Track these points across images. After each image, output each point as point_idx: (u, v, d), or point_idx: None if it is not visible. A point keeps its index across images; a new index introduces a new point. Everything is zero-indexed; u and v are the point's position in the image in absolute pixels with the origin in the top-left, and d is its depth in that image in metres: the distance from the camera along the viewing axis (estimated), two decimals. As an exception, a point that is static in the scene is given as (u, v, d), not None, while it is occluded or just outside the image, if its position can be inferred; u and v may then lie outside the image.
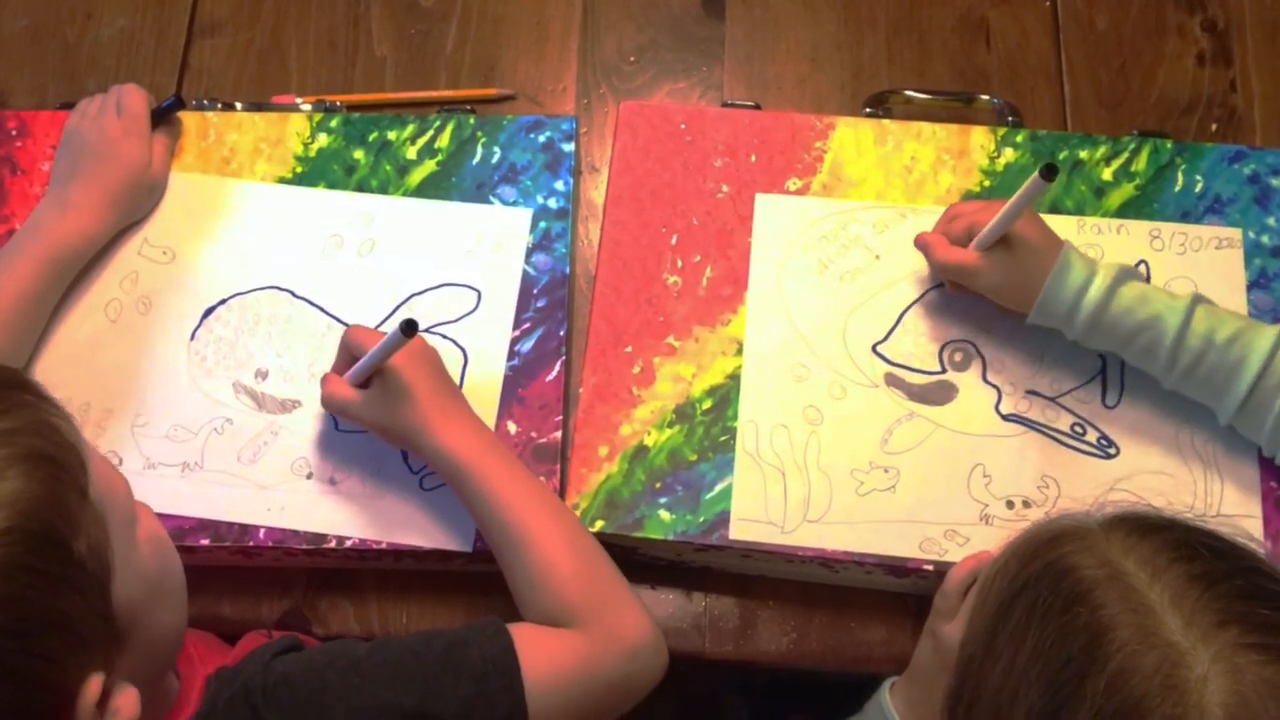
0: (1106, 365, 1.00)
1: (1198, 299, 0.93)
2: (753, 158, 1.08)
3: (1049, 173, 0.87)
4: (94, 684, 0.65)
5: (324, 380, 0.96)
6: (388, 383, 0.92)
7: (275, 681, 0.76)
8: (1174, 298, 0.93)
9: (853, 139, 1.09)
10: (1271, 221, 1.05)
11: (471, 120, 1.11)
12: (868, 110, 1.13)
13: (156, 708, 0.74)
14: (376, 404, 0.92)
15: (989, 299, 0.98)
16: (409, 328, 0.87)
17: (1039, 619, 0.63)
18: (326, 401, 0.95)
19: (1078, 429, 0.98)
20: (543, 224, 1.07)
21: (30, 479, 0.63)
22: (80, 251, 1.04)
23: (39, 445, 0.65)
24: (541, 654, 0.82)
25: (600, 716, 0.86)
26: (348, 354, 0.95)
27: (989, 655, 0.66)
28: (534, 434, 1.00)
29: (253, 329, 1.04)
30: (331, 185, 1.10)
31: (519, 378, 1.02)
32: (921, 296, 1.03)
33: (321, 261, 1.07)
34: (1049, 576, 0.65)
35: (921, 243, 1.00)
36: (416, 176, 1.10)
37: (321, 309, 1.05)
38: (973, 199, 1.06)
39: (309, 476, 0.99)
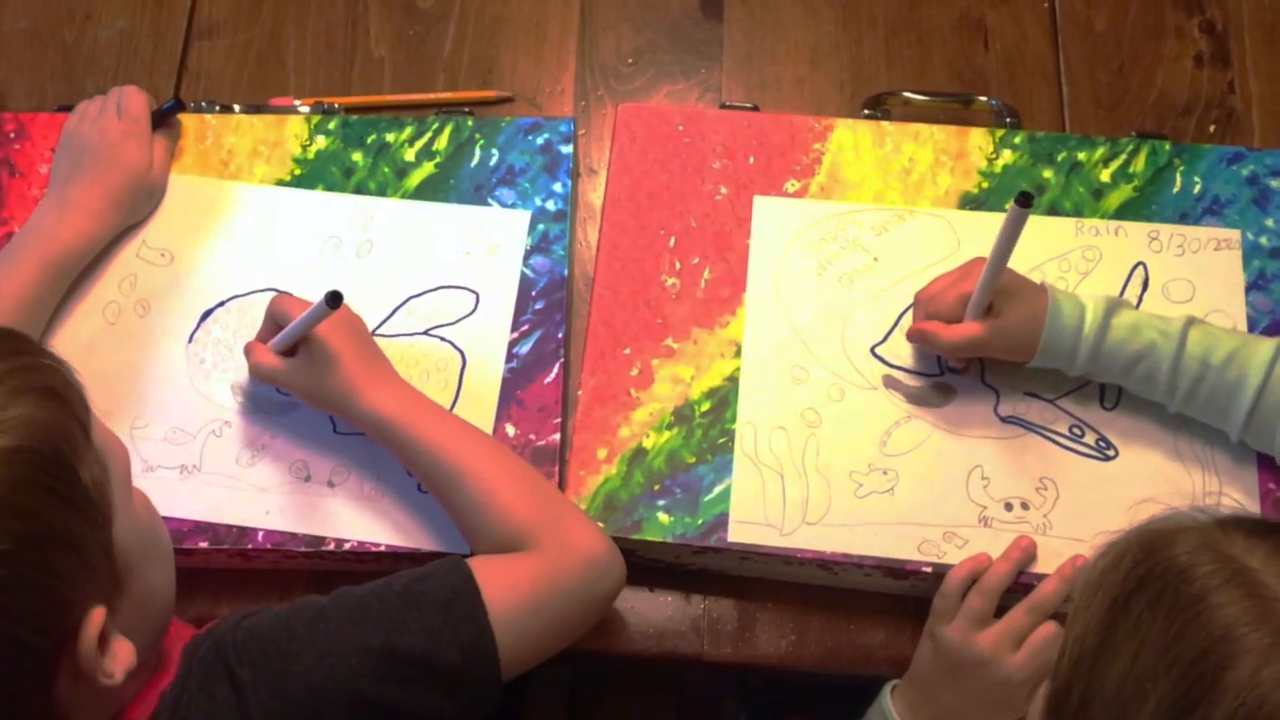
0: (1105, 367, 1.00)
1: (1191, 321, 0.93)
2: (751, 159, 1.08)
3: (1025, 199, 0.86)
4: (97, 614, 0.66)
5: (249, 349, 0.98)
6: (313, 350, 0.94)
7: (244, 638, 0.78)
8: (1166, 322, 0.93)
9: (851, 140, 1.09)
10: (1270, 223, 1.05)
11: (470, 122, 1.11)
12: (866, 112, 1.12)
13: (141, 677, 0.76)
14: (302, 371, 0.95)
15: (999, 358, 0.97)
16: (334, 299, 0.89)
17: (1166, 612, 0.62)
18: (254, 370, 0.97)
19: (1076, 431, 0.98)
20: (541, 226, 1.07)
21: (39, 407, 0.66)
22: (80, 254, 1.04)
23: (46, 381, 0.68)
24: (500, 578, 0.84)
25: (567, 631, 0.88)
26: (273, 323, 0.97)
27: (1106, 651, 0.64)
28: (532, 436, 1.00)
29: (251, 331, 1.04)
30: (330, 187, 1.10)
31: (517, 380, 1.02)
32: (920, 298, 1.03)
33: (320, 264, 1.07)
34: (1173, 571, 0.64)
35: (918, 333, 0.97)
36: (415, 179, 1.10)
37: (320, 311, 1.05)
38: (970, 202, 1.06)
39: (307, 479, 0.99)
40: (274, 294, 1.05)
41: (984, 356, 0.99)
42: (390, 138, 1.11)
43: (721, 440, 0.99)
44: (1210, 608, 0.61)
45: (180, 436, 1.01)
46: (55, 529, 0.65)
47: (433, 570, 0.84)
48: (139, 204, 1.07)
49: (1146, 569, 0.65)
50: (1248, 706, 0.58)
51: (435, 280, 1.06)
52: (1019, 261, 0.95)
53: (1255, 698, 0.58)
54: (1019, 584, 0.92)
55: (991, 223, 1.04)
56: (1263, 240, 1.04)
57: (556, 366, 1.02)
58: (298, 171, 1.11)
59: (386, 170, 1.10)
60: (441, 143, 1.11)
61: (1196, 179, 1.06)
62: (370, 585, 0.83)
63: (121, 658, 0.68)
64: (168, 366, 1.03)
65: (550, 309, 1.04)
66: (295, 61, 1.20)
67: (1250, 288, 1.02)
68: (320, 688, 0.77)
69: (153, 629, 0.77)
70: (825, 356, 1.01)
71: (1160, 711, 0.61)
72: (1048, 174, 1.07)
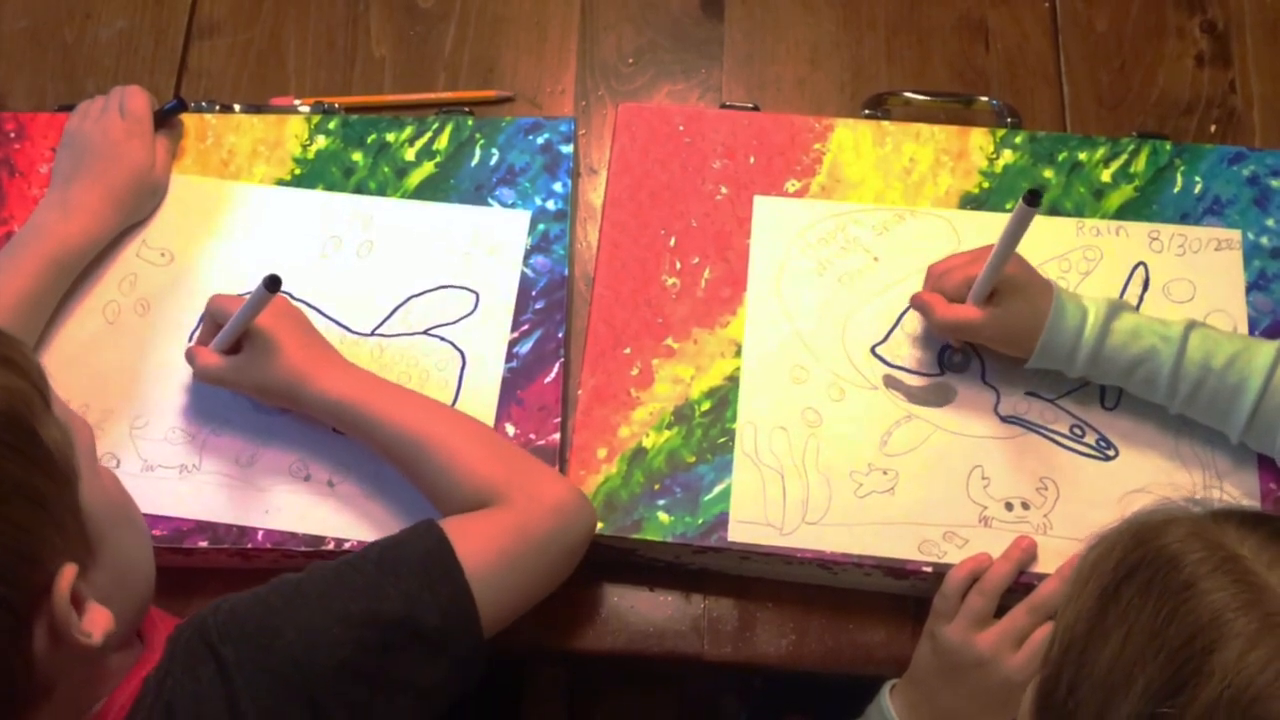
0: (1105, 367, 1.00)
1: (1192, 325, 0.93)
2: (751, 159, 1.08)
3: (1033, 198, 0.85)
4: (69, 570, 0.67)
5: (190, 354, 0.98)
6: (256, 342, 0.94)
7: (225, 619, 0.78)
8: (1166, 326, 0.93)
9: (851, 140, 1.09)
10: (1271, 223, 1.04)
11: (470, 122, 1.11)
12: (866, 112, 1.12)
13: (126, 662, 0.76)
14: (248, 365, 0.95)
15: (991, 349, 0.98)
16: (273, 283, 0.89)
17: (1155, 598, 0.63)
18: (199, 373, 0.98)
19: (1077, 431, 0.98)
20: (541, 226, 1.07)
21: None
22: (82, 252, 1.04)
23: (3, 351, 0.68)
24: (472, 536, 0.85)
25: (543, 582, 0.89)
26: (213, 323, 0.98)
27: (1096, 637, 0.65)
28: (533, 436, 1.00)
29: (251, 331, 1.04)
30: (330, 187, 1.10)
31: (517, 380, 1.02)
32: (920, 298, 1.03)
33: (320, 263, 1.07)
34: (1163, 559, 0.65)
35: (919, 302, 0.98)
36: (415, 178, 1.10)
37: (320, 311, 1.05)
38: (971, 202, 1.06)
39: (307, 478, 0.99)
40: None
41: (978, 343, 0.99)
42: (390, 137, 1.11)
43: (722, 440, 0.99)
44: (1199, 594, 0.62)
45: (180, 436, 1.01)
46: (17, 482, 0.65)
47: (405, 536, 0.85)
48: (141, 203, 1.08)
49: (1137, 557, 0.66)
50: (1233, 689, 0.59)
51: (435, 280, 1.06)
52: (1020, 261, 0.95)
53: (1241, 680, 0.59)
54: (1019, 584, 0.92)
55: (992, 222, 1.04)
56: (1263, 240, 1.04)
57: (556, 366, 1.02)
58: (298, 171, 1.11)
59: (386, 170, 1.10)
60: (442, 142, 1.11)
61: (1197, 179, 1.06)
62: (344, 557, 0.84)
63: (99, 621, 0.68)
64: (167, 366, 1.03)
65: (550, 309, 1.04)
66: (296, 61, 1.20)
67: (1251, 288, 1.02)
68: (304, 660, 0.77)
69: (132, 604, 0.77)
70: (826, 356, 1.01)
71: (1148, 694, 0.61)
72: (1049, 174, 1.07)
